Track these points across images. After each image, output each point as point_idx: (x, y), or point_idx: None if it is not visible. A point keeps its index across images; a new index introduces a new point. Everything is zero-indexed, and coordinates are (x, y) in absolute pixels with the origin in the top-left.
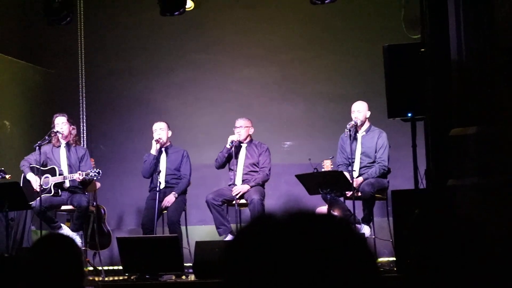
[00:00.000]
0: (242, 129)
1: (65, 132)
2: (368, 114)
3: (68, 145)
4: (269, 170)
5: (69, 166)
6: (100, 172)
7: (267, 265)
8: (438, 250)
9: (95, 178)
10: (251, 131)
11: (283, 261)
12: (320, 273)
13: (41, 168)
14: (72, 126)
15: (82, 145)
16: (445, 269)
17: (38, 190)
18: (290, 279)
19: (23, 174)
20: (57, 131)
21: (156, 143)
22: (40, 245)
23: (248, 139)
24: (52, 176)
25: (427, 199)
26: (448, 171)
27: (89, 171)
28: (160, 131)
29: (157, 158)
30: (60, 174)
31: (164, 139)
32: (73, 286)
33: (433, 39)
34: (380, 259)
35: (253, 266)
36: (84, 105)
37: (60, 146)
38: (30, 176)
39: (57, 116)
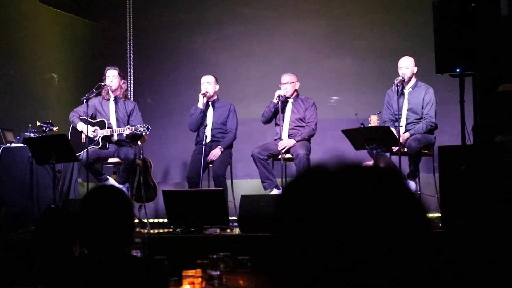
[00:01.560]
0: (288, 85)
1: (114, 86)
2: (415, 69)
3: (116, 99)
4: (315, 125)
5: (117, 120)
6: (149, 127)
7: (319, 217)
8: (485, 206)
9: (143, 133)
10: (297, 86)
11: (335, 213)
12: (373, 225)
13: (90, 120)
14: (122, 80)
15: (130, 99)
16: (492, 225)
17: (92, 136)
18: (342, 232)
19: (71, 126)
20: (105, 84)
21: (203, 97)
22: (93, 196)
23: (294, 94)
24: (101, 128)
25: (474, 155)
26: (496, 127)
27: (138, 126)
28: (208, 84)
29: (204, 112)
30: (109, 127)
31: (211, 92)
32: (123, 237)
33: None
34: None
35: (305, 218)
36: (131, 59)
37: (109, 99)
38: (81, 126)
39: (108, 69)
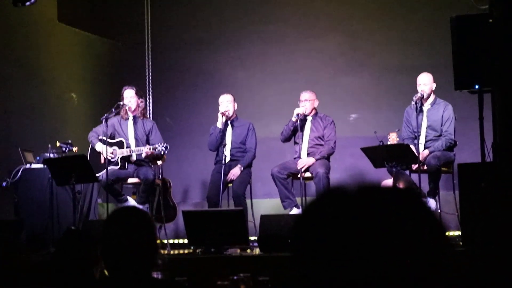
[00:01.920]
0: (307, 103)
1: (133, 106)
2: (433, 86)
3: (135, 118)
4: (334, 143)
5: (136, 139)
6: (168, 146)
7: (339, 238)
8: (505, 223)
9: (162, 152)
10: (316, 103)
11: (354, 234)
12: (393, 246)
13: (109, 140)
14: (140, 99)
15: (148, 117)
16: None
17: (110, 158)
18: (362, 253)
19: (90, 146)
20: (124, 104)
21: (222, 116)
22: (116, 218)
23: (313, 112)
24: (119, 148)
25: (494, 172)
26: None
27: (157, 145)
28: (227, 103)
29: (223, 131)
30: (127, 147)
31: (230, 111)
32: (146, 260)
33: (502, 10)
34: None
35: (324, 239)
36: (150, 78)
37: (128, 119)
38: (100, 147)
39: (126, 89)
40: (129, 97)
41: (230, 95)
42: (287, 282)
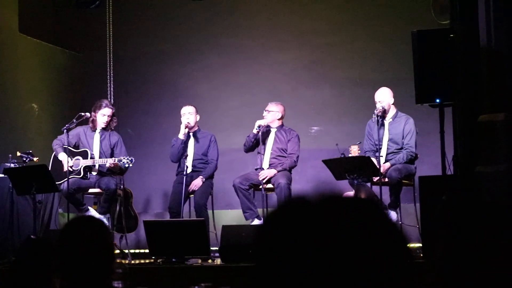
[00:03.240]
0: (269, 114)
1: (104, 124)
2: (391, 101)
3: (104, 130)
4: (297, 157)
5: (100, 153)
6: (133, 159)
7: (300, 248)
8: (466, 237)
9: (127, 165)
10: (278, 116)
11: (316, 244)
12: (354, 256)
13: (72, 149)
14: (114, 119)
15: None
16: (473, 256)
17: (70, 170)
18: (323, 263)
19: (53, 154)
20: (85, 114)
21: (185, 128)
22: (71, 227)
23: (278, 124)
24: (83, 158)
25: (455, 185)
26: (476, 157)
27: (122, 157)
28: (189, 115)
29: (185, 143)
30: (91, 157)
31: (192, 123)
32: (103, 268)
33: (462, 25)
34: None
35: (285, 249)
36: (112, 89)
37: (95, 131)
38: (62, 156)
39: (106, 106)
40: (107, 115)
41: (192, 106)
42: None
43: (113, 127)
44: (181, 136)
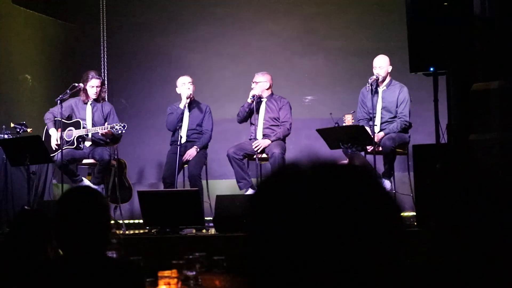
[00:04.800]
0: (257, 85)
1: (95, 95)
2: (389, 69)
3: (95, 101)
4: (290, 124)
5: (93, 123)
6: (125, 125)
7: (292, 216)
8: (460, 204)
9: (120, 131)
10: (266, 86)
11: (308, 212)
12: (347, 224)
13: (65, 121)
14: (104, 88)
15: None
16: (466, 223)
17: (54, 148)
18: (316, 231)
19: (46, 127)
20: (79, 85)
21: (187, 98)
22: (68, 198)
23: (268, 93)
24: (76, 129)
25: (449, 153)
26: (470, 125)
27: (114, 124)
28: (189, 84)
29: (182, 112)
30: (83, 127)
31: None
32: (99, 238)
33: None
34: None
35: (278, 217)
36: (105, 59)
37: (87, 103)
38: (52, 132)
39: (93, 77)
40: (95, 86)
41: (189, 77)
42: (242, 261)
43: (104, 97)
44: (182, 105)
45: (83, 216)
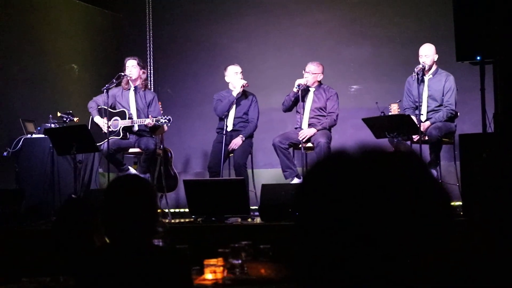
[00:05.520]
0: (309, 75)
1: (134, 76)
2: (435, 57)
3: (136, 88)
4: (337, 116)
5: (137, 110)
6: (171, 119)
7: (340, 204)
8: (506, 194)
9: (165, 124)
10: (320, 77)
11: (357, 200)
12: (395, 212)
13: (110, 110)
14: (142, 70)
15: (150, 89)
16: None
17: (107, 130)
18: (364, 219)
19: (91, 116)
20: (125, 74)
21: (242, 88)
22: (116, 186)
23: (316, 83)
24: (121, 119)
25: (495, 143)
26: None
27: (160, 117)
28: (241, 75)
29: (234, 100)
30: (129, 118)
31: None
32: (147, 227)
33: None
34: None
35: (326, 206)
36: (151, 49)
37: (129, 89)
38: (98, 120)
39: (128, 59)
40: (131, 66)
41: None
42: (288, 250)
43: (146, 84)
44: (235, 93)
45: (131, 204)
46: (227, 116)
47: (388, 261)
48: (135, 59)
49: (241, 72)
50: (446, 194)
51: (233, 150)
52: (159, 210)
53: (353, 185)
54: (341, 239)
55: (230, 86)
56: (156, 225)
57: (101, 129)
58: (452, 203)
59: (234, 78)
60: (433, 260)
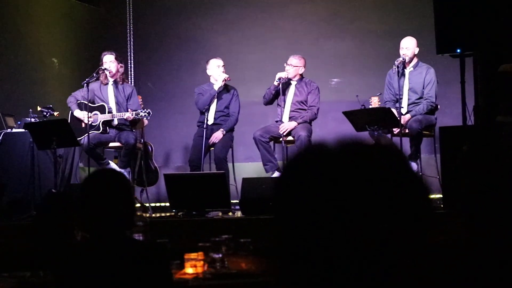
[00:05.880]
0: (291, 68)
1: (113, 70)
2: (416, 50)
3: (115, 82)
4: (318, 109)
5: (117, 104)
6: (150, 112)
7: (319, 197)
8: (487, 186)
9: (145, 118)
10: (301, 70)
11: (336, 192)
12: (374, 205)
13: (90, 104)
14: (120, 64)
15: (129, 82)
16: (494, 205)
17: (87, 123)
18: (342, 212)
19: (70, 111)
20: (105, 69)
21: (222, 82)
22: (93, 180)
23: (298, 77)
24: (101, 113)
25: (476, 135)
26: (497, 107)
27: (139, 111)
28: (223, 68)
29: (215, 94)
30: (109, 112)
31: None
32: (124, 221)
33: None
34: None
35: (305, 198)
36: (131, 43)
37: (108, 83)
38: (78, 113)
39: (105, 54)
40: (109, 61)
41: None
42: (268, 243)
43: (124, 78)
44: (216, 87)
45: (107, 198)
46: (208, 110)
47: (368, 254)
48: (112, 54)
49: (223, 65)
50: (425, 185)
51: (213, 144)
52: (139, 204)
53: (332, 178)
54: (320, 232)
55: (212, 80)
56: (134, 218)
57: (81, 123)
58: (432, 196)
59: (216, 72)
60: (413, 253)
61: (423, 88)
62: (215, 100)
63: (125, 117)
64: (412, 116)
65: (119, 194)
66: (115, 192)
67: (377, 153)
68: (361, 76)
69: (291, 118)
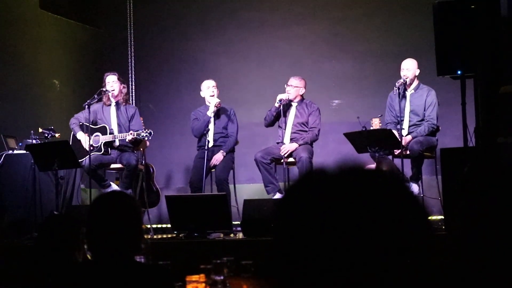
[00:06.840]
0: (292, 88)
1: (116, 91)
2: (417, 72)
3: (118, 104)
4: (319, 131)
5: (119, 125)
6: (151, 132)
7: (320, 221)
8: (488, 208)
9: (146, 138)
10: (302, 91)
11: (336, 216)
12: (374, 229)
13: (92, 126)
14: (122, 85)
15: (131, 103)
16: (495, 227)
17: (88, 149)
18: (343, 235)
19: (72, 132)
20: (107, 90)
21: (215, 107)
22: (103, 201)
23: (298, 98)
24: (102, 134)
25: (477, 156)
26: (498, 128)
27: (141, 131)
28: (213, 88)
29: (210, 120)
30: (110, 133)
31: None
32: (130, 243)
33: None
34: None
35: (306, 222)
36: (133, 64)
37: (110, 105)
38: (80, 136)
39: (108, 75)
40: (111, 82)
41: (213, 80)
42: (270, 265)
43: (127, 99)
44: (209, 113)
45: (116, 221)
46: (208, 132)
47: (368, 277)
48: (115, 74)
49: (214, 86)
50: (424, 208)
51: (214, 166)
52: (143, 226)
53: (332, 203)
54: (321, 255)
55: (206, 102)
56: (141, 242)
57: (81, 146)
58: (431, 218)
59: (207, 93)
60: (414, 273)
61: (424, 110)
62: (213, 122)
63: (127, 140)
64: (413, 138)
65: (129, 217)
66: (124, 215)
67: (375, 177)
68: (362, 97)
69: (292, 140)
